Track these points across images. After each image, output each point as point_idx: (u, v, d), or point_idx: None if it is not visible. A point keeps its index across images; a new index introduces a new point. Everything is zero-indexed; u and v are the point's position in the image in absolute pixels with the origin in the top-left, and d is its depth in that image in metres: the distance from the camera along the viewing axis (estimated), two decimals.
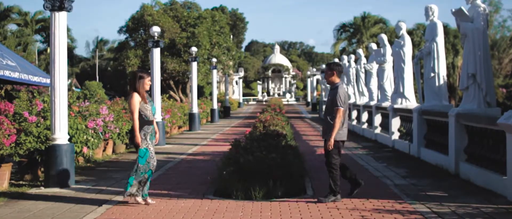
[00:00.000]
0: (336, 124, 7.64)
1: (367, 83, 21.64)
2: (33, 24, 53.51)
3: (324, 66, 42.87)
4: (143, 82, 7.72)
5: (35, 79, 13.20)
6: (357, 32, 53.09)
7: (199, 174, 10.67)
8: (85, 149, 10.90)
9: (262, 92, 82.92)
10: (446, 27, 42.15)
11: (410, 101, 15.39)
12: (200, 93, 41.82)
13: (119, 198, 8.32)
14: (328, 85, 7.98)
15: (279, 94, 79.78)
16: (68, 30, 52.78)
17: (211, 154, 13.99)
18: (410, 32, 47.99)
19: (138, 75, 7.77)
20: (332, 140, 7.69)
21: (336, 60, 32.30)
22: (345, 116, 7.81)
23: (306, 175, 9.99)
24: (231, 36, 53.09)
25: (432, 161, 11.69)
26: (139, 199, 7.72)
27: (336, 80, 7.86)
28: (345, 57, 28.86)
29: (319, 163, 12.03)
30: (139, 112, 7.63)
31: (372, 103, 19.57)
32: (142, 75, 7.76)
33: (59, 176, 9.19)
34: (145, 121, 7.68)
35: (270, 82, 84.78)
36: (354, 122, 22.96)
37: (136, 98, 7.65)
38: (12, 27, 51.31)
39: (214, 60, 33.67)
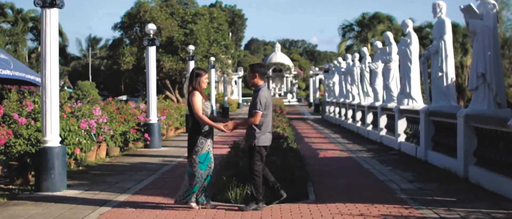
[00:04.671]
0: (248, 121, 7.63)
1: (372, 83, 21.64)
2: (27, 22, 53.57)
3: (327, 65, 42.95)
4: (200, 79, 7.66)
5: (29, 76, 13.25)
6: (362, 31, 53.16)
7: None
8: (77, 151, 10.89)
9: None
10: (455, 26, 42.13)
11: (417, 102, 15.39)
12: None
13: (113, 203, 8.33)
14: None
15: (280, 95, 79.83)
16: (60, 28, 52.81)
17: None
18: (419, 30, 48.03)
19: (194, 72, 7.71)
20: (234, 126, 7.63)
21: (340, 59, 32.31)
22: (267, 121, 7.75)
23: (308, 178, 9.99)
24: (230, 34, 53.10)
25: (440, 164, 11.69)
26: (193, 204, 7.70)
27: (259, 82, 7.81)
28: (349, 56, 28.88)
29: (322, 167, 12.07)
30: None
31: (377, 104, 19.57)
32: (198, 72, 7.70)
33: (50, 180, 9.18)
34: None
35: (270, 82, 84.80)
36: (359, 124, 22.98)
37: (198, 96, 7.60)
38: (4, 25, 51.42)
39: (212, 58, 33.68)
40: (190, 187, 7.64)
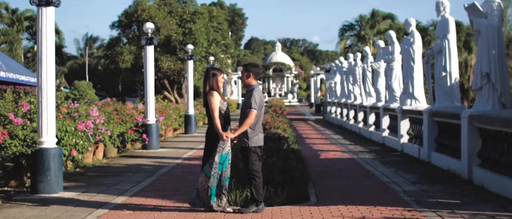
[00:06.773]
0: (245, 123, 7.61)
1: (374, 83, 21.64)
2: (23, 21, 53.61)
3: (328, 65, 42.96)
4: (216, 79, 7.73)
5: (23, 77, 13.24)
6: (361, 30, 53.26)
7: (196, 180, 10.64)
8: (74, 152, 10.89)
9: (263, 93, 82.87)
10: (458, 25, 42.13)
11: (420, 102, 15.38)
12: (197, 94, 41.79)
13: (110, 205, 8.33)
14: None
15: (280, 95, 79.82)
16: (57, 27, 52.82)
17: None
18: (424, 30, 48.02)
19: (210, 72, 7.79)
20: (235, 134, 7.66)
21: (342, 58, 32.31)
22: (260, 121, 7.79)
23: (310, 180, 9.99)
24: (230, 33, 53.11)
25: (443, 166, 11.68)
26: (229, 209, 7.70)
27: (253, 82, 7.85)
28: (351, 55, 28.87)
29: (324, 168, 12.07)
30: (219, 111, 7.63)
31: (380, 104, 19.57)
32: (214, 72, 7.78)
33: (47, 181, 9.18)
34: (226, 121, 7.70)
35: (271, 82, 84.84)
36: (361, 125, 22.97)
37: (217, 96, 7.66)
38: (1, 26, 51.51)
39: (212, 58, 33.67)
40: (209, 188, 7.62)
